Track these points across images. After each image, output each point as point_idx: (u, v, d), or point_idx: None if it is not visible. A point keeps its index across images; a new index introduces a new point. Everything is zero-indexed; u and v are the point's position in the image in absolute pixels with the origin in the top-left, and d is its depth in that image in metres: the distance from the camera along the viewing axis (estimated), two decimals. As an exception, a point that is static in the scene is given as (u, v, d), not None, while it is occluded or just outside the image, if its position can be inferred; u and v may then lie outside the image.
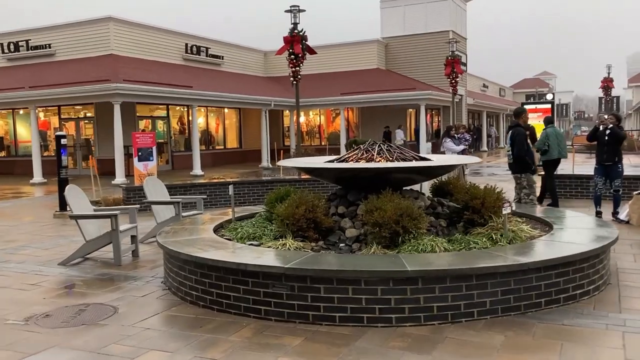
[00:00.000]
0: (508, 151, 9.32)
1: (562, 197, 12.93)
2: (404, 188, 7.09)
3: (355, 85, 27.27)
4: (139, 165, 18.11)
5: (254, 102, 24.34)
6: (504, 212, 5.96)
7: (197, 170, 21.11)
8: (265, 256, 5.52)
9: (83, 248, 7.80)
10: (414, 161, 6.66)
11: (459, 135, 13.73)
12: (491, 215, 6.33)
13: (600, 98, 49.63)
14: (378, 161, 6.71)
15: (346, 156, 7.04)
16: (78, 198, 7.98)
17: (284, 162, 6.91)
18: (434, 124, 31.87)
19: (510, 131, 9.21)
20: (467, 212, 6.38)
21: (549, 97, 22.37)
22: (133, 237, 8.31)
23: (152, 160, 18.51)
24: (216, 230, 7.28)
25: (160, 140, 25.21)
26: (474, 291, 4.89)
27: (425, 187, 8.51)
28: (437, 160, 6.94)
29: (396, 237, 5.80)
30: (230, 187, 7.49)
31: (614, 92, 53.70)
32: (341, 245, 6.10)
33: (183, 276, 5.85)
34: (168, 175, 20.84)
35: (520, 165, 9.30)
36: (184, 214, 9.29)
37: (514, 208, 6.00)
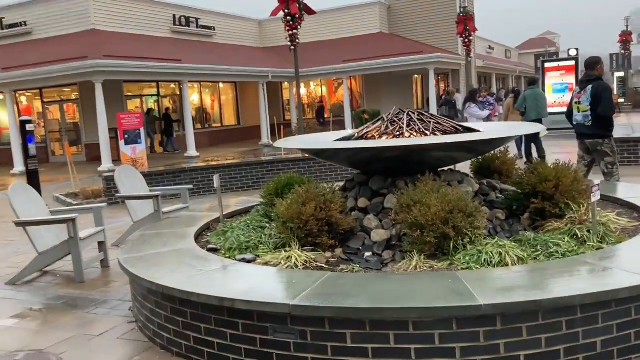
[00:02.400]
0: (585, 111, 7.34)
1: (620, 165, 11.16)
2: (439, 170, 5.36)
3: (357, 52, 25.32)
4: (126, 149, 16.36)
5: (250, 75, 22.47)
6: (592, 200, 4.22)
7: (192, 151, 19.39)
8: (260, 282, 3.82)
9: (35, 262, 6.13)
10: (463, 134, 4.90)
11: (482, 99, 11.92)
12: (568, 203, 4.60)
13: (611, 55, 47.38)
14: (409, 136, 4.96)
15: (366, 131, 5.29)
16: (26, 199, 6.27)
17: (282, 143, 5.16)
18: (440, 90, 29.92)
19: (590, 85, 7.25)
20: (534, 200, 4.65)
21: (573, 52, 20.36)
22: (101, 244, 6.63)
23: (141, 142, 16.74)
24: (200, 235, 5.59)
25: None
26: (579, 328, 3.19)
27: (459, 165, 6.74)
28: (491, 130, 5.17)
29: (445, 243, 4.10)
30: (216, 178, 5.77)
31: (616, 50, 51.14)
32: (367, 255, 4.39)
33: (150, 310, 4.17)
34: (160, 159, 19.12)
35: (604, 127, 7.39)
36: (166, 209, 7.59)
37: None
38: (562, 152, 14.03)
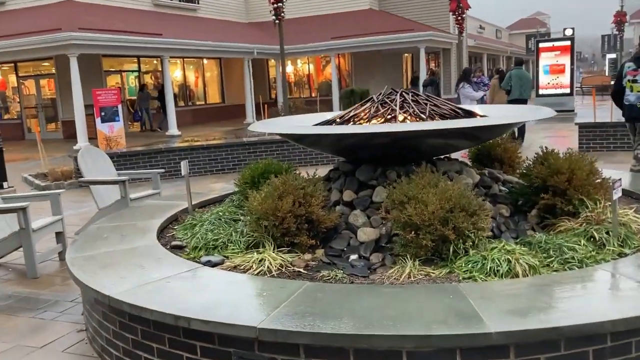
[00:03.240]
0: (638, 91, 6.62)
1: (605, 150, 10.69)
2: (435, 158, 4.75)
3: (346, 29, 24.50)
4: (102, 127, 15.58)
5: (235, 51, 21.62)
6: (614, 197, 3.64)
7: (173, 129, 18.62)
8: (225, 294, 3.20)
9: (-18, 256, 5.47)
10: (465, 118, 4.28)
11: (476, 80, 11.26)
12: (582, 199, 4.02)
13: (603, 36, 46.85)
14: (404, 121, 4.33)
15: (353, 113, 4.65)
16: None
17: (258, 126, 4.48)
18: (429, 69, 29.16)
19: None
20: (544, 195, 4.06)
21: (568, 32, 19.69)
22: (59, 234, 5.98)
23: (119, 120, 15.96)
24: (166, 228, 4.96)
25: (132, 97, 22.61)
26: None
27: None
28: (496, 115, 4.55)
29: (444, 246, 3.51)
30: (183, 164, 5.12)
31: (607, 31, 50.58)
32: (352, 258, 3.79)
33: (97, 321, 3.55)
34: (139, 137, 18.35)
35: None
36: (135, 195, 6.93)
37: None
38: (556, 135, 13.49)
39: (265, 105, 16.60)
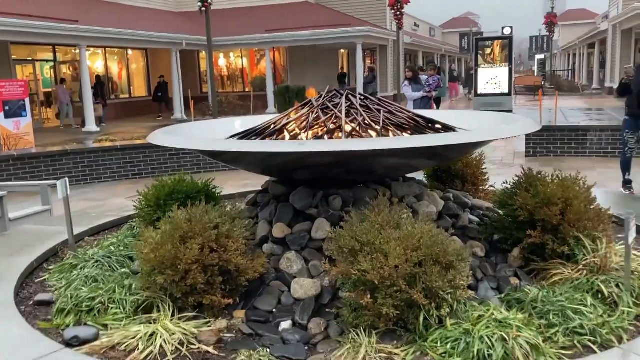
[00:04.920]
0: None
1: (552, 155, 10.11)
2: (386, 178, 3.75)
3: (281, 22, 23.31)
4: (6, 124, 13.72)
5: (162, 41, 19.98)
6: (629, 239, 2.73)
7: (91, 126, 16.88)
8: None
9: None
10: (432, 134, 3.28)
11: (427, 79, 10.35)
12: (579, 237, 3.11)
13: (531, 37, 47.79)
14: (352, 133, 3.28)
15: (287, 121, 3.57)
16: None
17: (158, 138, 3.30)
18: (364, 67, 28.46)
19: None
20: (532, 232, 3.12)
21: (507, 31, 19.29)
22: None
23: (26, 116, 14.14)
24: (36, 270, 3.70)
25: (47, 90, 20.54)
26: None
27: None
28: (463, 126, 3.56)
29: (411, 314, 2.49)
30: (60, 185, 3.86)
31: (533, 32, 51.84)
32: (284, 325, 2.71)
33: None
34: (51, 135, 16.50)
35: None
36: (16, 213, 5.55)
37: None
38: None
39: (192, 101, 15.18)
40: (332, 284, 2.90)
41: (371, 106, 3.66)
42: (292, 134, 3.49)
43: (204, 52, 23.87)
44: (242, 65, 27.54)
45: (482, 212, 3.79)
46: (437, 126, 3.59)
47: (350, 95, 3.73)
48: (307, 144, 2.78)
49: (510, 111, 16.80)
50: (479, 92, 17.61)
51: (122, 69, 23.46)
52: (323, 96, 3.78)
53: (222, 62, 26.70)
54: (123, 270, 3.41)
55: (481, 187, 4.61)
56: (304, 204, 3.40)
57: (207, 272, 2.74)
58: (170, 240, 2.76)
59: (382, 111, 3.56)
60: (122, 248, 3.79)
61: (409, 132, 3.47)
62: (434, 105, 11.04)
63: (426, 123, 3.62)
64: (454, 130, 3.52)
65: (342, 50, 28.57)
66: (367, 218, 2.77)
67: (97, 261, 3.53)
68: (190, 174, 4.33)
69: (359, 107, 3.56)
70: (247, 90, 25.47)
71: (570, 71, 40.33)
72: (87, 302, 2.87)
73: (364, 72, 22.31)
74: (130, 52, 23.26)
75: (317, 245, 3.17)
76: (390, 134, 3.41)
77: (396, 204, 3.38)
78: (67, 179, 3.96)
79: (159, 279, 2.67)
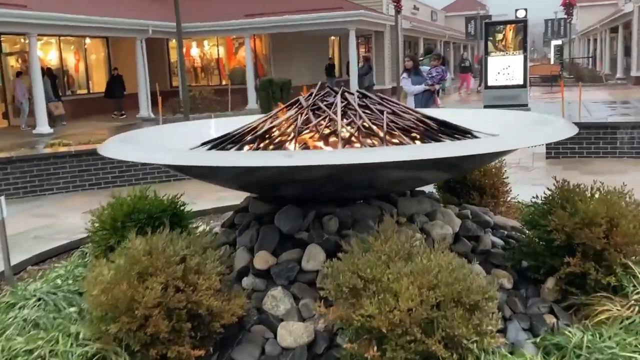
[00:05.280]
0: None
1: (577, 157, 9.95)
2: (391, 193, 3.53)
3: (262, 5, 23.08)
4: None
5: (124, 28, 19.66)
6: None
7: (43, 127, 16.55)
8: None
9: None
10: (449, 139, 3.07)
11: (429, 70, 10.14)
12: (627, 265, 2.90)
13: (546, 21, 47.97)
14: (350, 139, 3.06)
15: (270, 125, 3.34)
16: None
17: (110, 148, 3.03)
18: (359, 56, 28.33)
19: None
20: (570, 258, 2.91)
21: (521, 14, 19.07)
22: None
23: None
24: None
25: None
26: None
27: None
28: (485, 129, 3.34)
29: (428, 370, 2.26)
30: (-5, 206, 3.59)
31: (548, 14, 51.81)
32: (270, 383, 2.47)
33: None
34: (8, 136, 16.19)
35: None
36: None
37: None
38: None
39: (159, 99, 14.95)
40: (328, 329, 2.67)
41: (371, 106, 3.46)
42: (276, 141, 3.27)
43: (174, 41, 23.63)
44: (218, 55, 27.29)
45: (506, 233, 3.59)
46: (451, 130, 3.38)
47: (346, 93, 3.51)
48: (296, 156, 2.55)
49: (526, 105, 16.73)
50: (488, 83, 17.47)
51: (79, 60, 23.14)
52: (314, 94, 3.57)
53: (194, 51, 26.50)
54: (72, 309, 3.17)
55: (502, 199, 4.42)
56: (293, 226, 3.18)
57: (172, 318, 2.50)
58: (125, 278, 2.52)
59: (385, 112, 3.35)
60: (70, 281, 3.55)
61: (419, 137, 3.26)
62: (438, 100, 10.80)
63: (438, 126, 3.41)
64: (473, 135, 3.30)
65: (332, 38, 28.41)
66: (370, 247, 2.54)
67: (39, 299, 3.28)
68: (157, 183, 4.10)
69: (357, 108, 3.34)
70: (224, 83, 25.21)
71: (590, 59, 40.43)
72: (22, 358, 2.61)
73: (358, 62, 22.10)
74: (88, 41, 22.94)
75: (308, 279, 2.95)
76: (396, 139, 3.20)
77: (405, 224, 3.19)
78: (3, 197, 3.70)
79: (112, 328, 2.43)
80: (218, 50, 27.17)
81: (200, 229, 4.54)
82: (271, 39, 25.91)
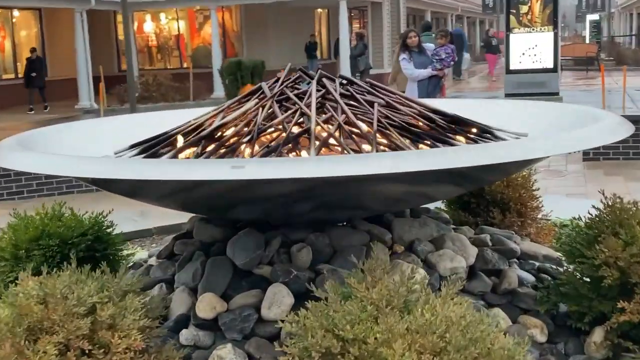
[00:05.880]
0: None
1: (620, 158, 9.75)
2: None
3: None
4: None
5: (60, -2, 19.49)
6: None
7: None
8: None
9: None
10: (462, 142, 2.80)
11: (436, 50, 9.87)
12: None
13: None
14: (330, 143, 2.78)
15: (218, 122, 3.06)
16: None
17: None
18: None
19: None
20: (624, 302, 2.64)
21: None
22: None
23: None
24: None
25: None
26: None
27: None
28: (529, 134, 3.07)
29: None
30: None
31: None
32: None
33: None
34: None
35: None
36: None
37: None
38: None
39: (101, 85, 14.70)
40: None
41: (358, 96, 3.19)
42: (229, 143, 2.97)
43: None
44: (178, 31, 27.13)
45: (537, 265, 3.31)
46: (466, 127, 3.11)
47: (325, 79, 3.22)
48: (248, 167, 2.23)
49: (557, 94, 16.57)
50: (511, 67, 17.30)
51: (4, 38, 22.89)
52: (281, 80, 3.28)
53: (149, 27, 26.40)
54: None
55: (531, 217, 4.14)
56: (250, 259, 2.92)
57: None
58: (9, 337, 2.20)
59: (376, 104, 3.06)
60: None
61: (424, 139, 2.98)
62: (445, 89, 10.54)
63: (448, 123, 3.12)
64: (494, 135, 3.02)
65: (319, 10, 28.30)
66: (352, 292, 2.24)
67: None
68: (94, 192, 3.82)
69: (338, 98, 3.07)
70: (185, 66, 25.03)
71: (634, 37, 40.56)
72: None
73: (351, 40, 21.94)
74: (16, 14, 22.72)
75: (270, 332, 2.68)
76: (390, 141, 2.91)
77: (402, 255, 2.95)
78: None
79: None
80: (178, 25, 27.00)
81: (136, 256, 4.30)
82: (243, 11, 25.78)
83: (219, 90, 20.78)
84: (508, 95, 15.84)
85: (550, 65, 17.04)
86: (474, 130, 3.13)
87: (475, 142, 2.97)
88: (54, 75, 23.04)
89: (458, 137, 3.06)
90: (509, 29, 17.30)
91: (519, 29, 17.21)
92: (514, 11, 17.43)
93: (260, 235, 2.98)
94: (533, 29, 16.95)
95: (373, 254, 2.49)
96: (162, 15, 26.72)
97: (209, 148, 2.96)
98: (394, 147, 2.88)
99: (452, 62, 10.01)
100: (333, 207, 2.87)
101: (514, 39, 17.15)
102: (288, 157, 2.82)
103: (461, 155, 2.36)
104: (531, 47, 17.15)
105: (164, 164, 2.58)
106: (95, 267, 2.70)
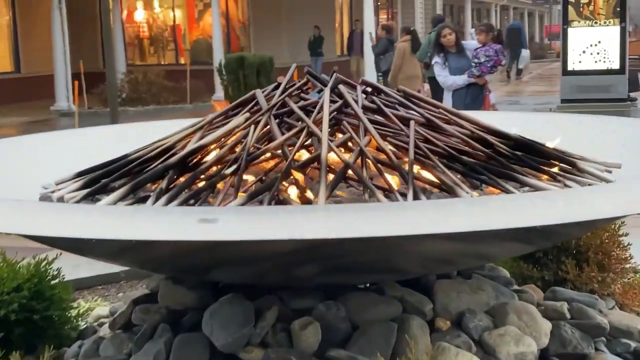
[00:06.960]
0: None
1: None
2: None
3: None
4: None
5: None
6: None
7: None
8: None
9: None
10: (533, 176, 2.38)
11: (477, 50, 9.47)
12: None
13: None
14: (349, 176, 2.34)
15: (196, 143, 2.65)
16: None
17: None
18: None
19: None
20: None
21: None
22: None
23: None
24: None
25: None
26: None
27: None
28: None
29: None
30: None
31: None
32: None
33: None
34: None
35: None
36: None
37: None
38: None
39: (76, 83, 14.51)
40: None
41: (387, 109, 2.75)
42: (209, 174, 2.53)
43: (110, 1, 23.50)
44: (174, 21, 27.22)
45: (633, 347, 2.84)
46: (538, 156, 2.65)
47: (342, 86, 2.81)
48: (224, 221, 1.75)
49: (625, 100, 16.18)
50: (569, 67, 17.05)
51: (-29, 28, 23.14)
52: (283, 86, 2.87)
53: (140, 15, 26.60)
54: None
55: (615, 270, 3.70)
56: (234, 339, 2.49)
57: None
58: None
59: (412, 122, 2.62)
60: None
61: (480, 173, 2.52)
62: (491, 98, 9.99)
63: (512, 149, 2.66)
64: (578, 168, 2.55)
65: (340, -1, 28.28)
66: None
67: None
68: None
69: (360, 113, 2.63)
70: (181, 61, 25.02)
71: None
72: None
73: (376, 33, 21.77)
74: (-16, 1, 22.91)
75: None
76: (433, 175, 2.46)
77: (448, 333, 2.58)
78: None
79: None
80: (174, 14, 27.18)
81: (95, 312, 3.88)
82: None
83: (222, 92, 20.71)
84: (565, 101, 15.63)
85: (617, 65, 16.78)
86: (549, 160, 2.68)
87: (554, 178, 2.51)
88: (28, 72, 23.21)
89: (526, 170, 2.60)
90: (566, 22, 17.06)
91: (579, 22, 16.95)
92: (573, 1, 17.18)
93: (249, 304, 2.54)
94: (596, 22, 16.72)
95: (408, 334, 2.06)
96: (156, 2, 26.88)
97: (179, 182, 2.51)
98: (439, 184, 2.43)
99: (494, 67, 9.46)
100: (349, 271, 2.42)
101: (573, 33, 16.89)
102: (285, 197, 2.37)
103: (553, 208, 1.89)
104: (593, 45, 16.88)
105: (90, 213, 2.07)
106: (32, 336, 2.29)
